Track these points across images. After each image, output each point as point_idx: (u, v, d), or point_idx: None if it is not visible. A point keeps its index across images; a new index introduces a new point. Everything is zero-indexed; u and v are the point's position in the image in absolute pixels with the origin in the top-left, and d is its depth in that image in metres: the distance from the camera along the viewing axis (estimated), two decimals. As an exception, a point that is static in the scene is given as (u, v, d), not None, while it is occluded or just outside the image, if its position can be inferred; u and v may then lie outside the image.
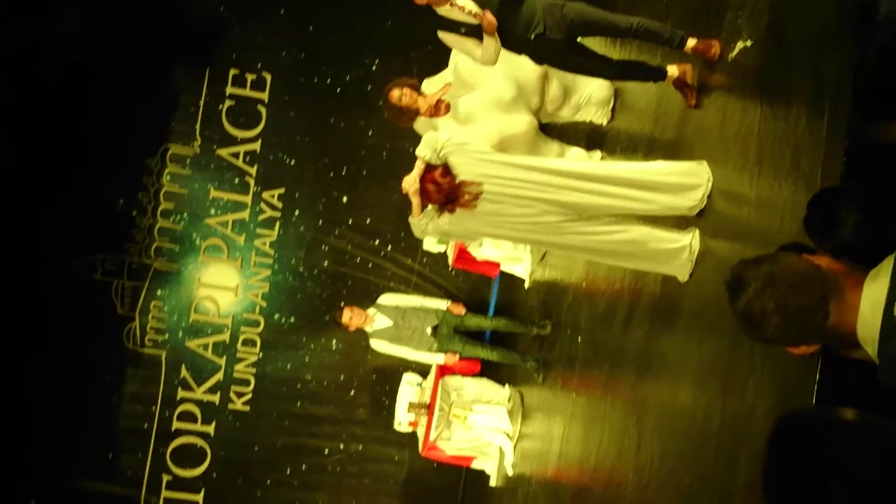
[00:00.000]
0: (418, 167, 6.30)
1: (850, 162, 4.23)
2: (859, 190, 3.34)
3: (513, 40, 6.92)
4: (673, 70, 6.78)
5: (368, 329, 10.40)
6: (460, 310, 10.62)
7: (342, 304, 10.91)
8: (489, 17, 6.63)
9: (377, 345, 10.49)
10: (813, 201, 3.43)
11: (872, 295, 2.52)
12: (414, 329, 10.35)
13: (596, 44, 7.76)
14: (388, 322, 10.35)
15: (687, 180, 6.05)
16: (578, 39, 7.12)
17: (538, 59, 7.33)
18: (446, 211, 6.23)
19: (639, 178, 6.16)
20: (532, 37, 6.77)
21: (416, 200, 6.32)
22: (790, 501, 2.02)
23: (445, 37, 7.04)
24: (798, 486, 2.01)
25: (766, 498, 2.09)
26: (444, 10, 6.84)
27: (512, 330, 10.63)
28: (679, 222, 6.31)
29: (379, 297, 10.80)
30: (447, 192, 6.14)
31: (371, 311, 10.42)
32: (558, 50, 6.95)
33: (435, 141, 6.31)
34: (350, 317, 10.25)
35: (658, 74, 6.88)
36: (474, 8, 6.74)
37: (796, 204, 4.68)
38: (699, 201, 6.04)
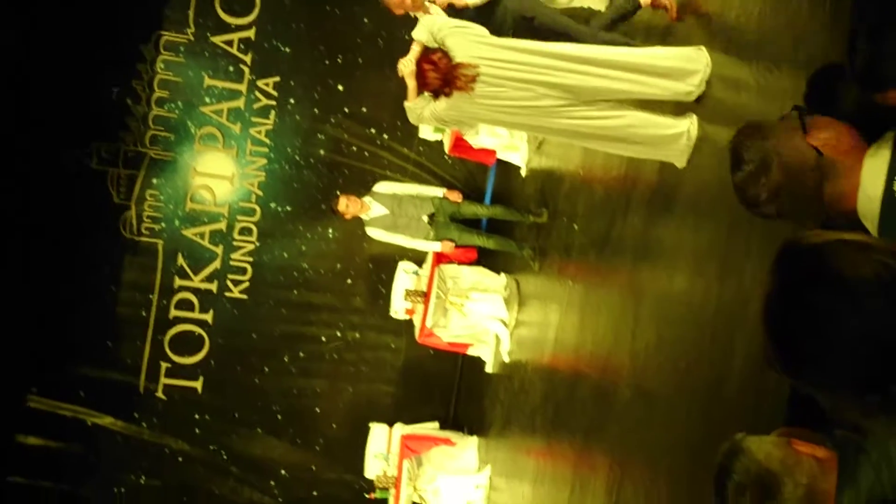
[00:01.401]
0: (415, 50, 6.25)
1: (853, 44, 4.18)
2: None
3: None
4: None
5: (365, 217, 10.40)
6: (456, 197, 10.62)
7: (338, 192, 10.90)
8: None
9: (373, 233, 10.51)
10: (813, 78, 3.41)
11: (872, 171, 2.51)
12: (410, 217, 10.35)
13: None
14: (384, 210, 10.35)
15: (686, 66, 6.00)
16: None
17: None
18: (443, 95, 6.18)
19: (637, 63, 6.11)
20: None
21: (411, 83, 6.26)
22: (791, 325, 2.01)
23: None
24: (800, 309, 1.99)
25: (767, 319, 2.08)
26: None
27: (508, 218, 10.63)
28: (677, 109, 6.26)
29: (375, 185, 10.79)
30: (444, 72, 6.08)
31: (367, 199, 10.41)
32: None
33: (432, 24, 6.25)
34: (346, 205, 10.25)
35: (633, 7, 6.91)
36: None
37: (797, 89, 4.63)
38: (698, 87, 5.99)
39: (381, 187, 10.66)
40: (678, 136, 6.09)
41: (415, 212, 10.37)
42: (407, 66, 6.24)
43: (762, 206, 2.61)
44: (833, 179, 2.58)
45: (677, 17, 6.59)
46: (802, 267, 2.02)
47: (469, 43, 6.11)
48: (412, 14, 7.86)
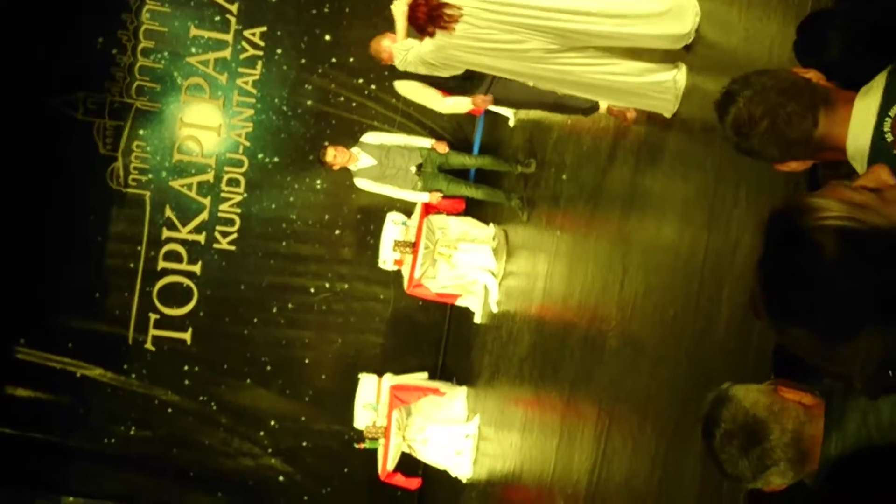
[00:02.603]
0: None
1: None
2: (849, 12, 3.30)
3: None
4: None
5: (353, 168, 10.37)
6: (444, 147, 10.58)
7: (326, 143, 10.85)
8: None
9: (361, 183, 10.48)
10: (802, 24, 3.40)
11: (863, 110, 2.51)
12: (398, 168, 10.32)
13: None
14: (372, 161, 10.31)
15: (675, 14, 5.97)
16: None
17: None
18: (427, 35, 6.17)
19: (627, 11, 6.09)
20: None
21: (401, 23, 6.31)
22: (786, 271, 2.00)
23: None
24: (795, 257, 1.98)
25: (762, 265, 2.07)
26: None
27: (496, 168, 10.62)
28: (666, 58, 6.24)
29: (363, 135, 10.75)
30: (429, 9, 6.08)
31: (355, 149, 10.37)
32: None
33: None
34: (334, 155, 10.20)
35: None
36: None
37: (785, 36, 4.62)
38: (687, 35, 5.97)
39: (369, 138, 10.62)
40: (666, 84, 6.07)
41: (403, 162, 10.34)
42: (399, 7, 6.27)
43: (757, 125, 2.59)
44: (826, 108, 2.58)
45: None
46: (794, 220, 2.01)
47: None
48: None
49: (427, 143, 10.62)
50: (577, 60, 6.10)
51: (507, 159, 10.40)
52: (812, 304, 1.92)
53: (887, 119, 2.45)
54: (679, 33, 5.95)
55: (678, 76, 6.06)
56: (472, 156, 11.28)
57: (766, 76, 2.63)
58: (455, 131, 12.17)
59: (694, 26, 5.94)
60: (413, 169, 10.32)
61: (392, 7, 6.40)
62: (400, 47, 6.39)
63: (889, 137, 2.44)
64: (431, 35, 6.14)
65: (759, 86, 2.60)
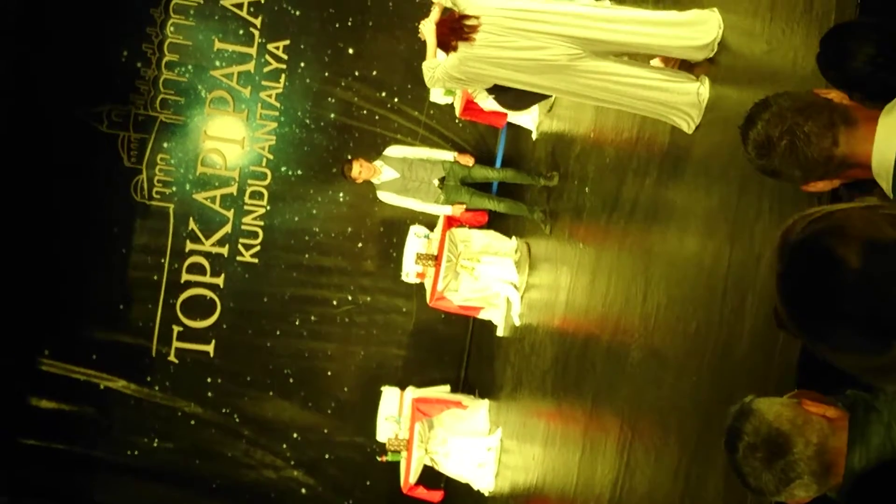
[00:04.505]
0: (436, 10, 6.42)
1: (865, 3, 4.15)
2: (872, 24, 3.30)
3: None
4: None
5: (376, 181, 10.39)
6: (467, 161, 10.60)
7: (349, 156, 10.89)
8: None
9: (384, 196, 10.50)
10: (826, 36, 3.40)
11: (888, 127, 2.50)
12: (421, 180, 10.34)
13: None
14: (395, 174, 10.33)
15: (698, 24, 5.97)
16: None
17: None
18: (451, 50, 6.24)
19: (648, 19, 6.11)
20: None
21: (431, 40, 6.38)
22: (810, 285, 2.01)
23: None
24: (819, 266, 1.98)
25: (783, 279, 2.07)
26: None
27: (519, 181, 10.61)
28: (688, 70, 6.23)
29: (386, 148, 10.77)
30: (450, 23, 6.19)
31: (378, 162, 10.39)
32: None
33: None
34: (359, 170, 10.22)
35: None
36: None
37: (808, 48, 4.61)
38: (710, 45, 5.96)
39: (392, 151, 10.64)
40: (690, 98, 6.06)
41: (425, 175, 10.35)
42: (427, 26, 6.36)
43: (777, 144, 2.62)
44: (847, 126, 2.58)
45: None
46: (816, 230, 2.01)
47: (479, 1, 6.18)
48: None
49: (450, 156, 10.63)
50: (600, 68, 6.11)
51: (530, 172, 10.39)
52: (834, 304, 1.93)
53: None
54: (702, 44, 5.94)
55: (701, 89, 6.04)
56: (495, 168, 11.28)
57: (784, 97, 2.65)
58: (478, 144, 12.20)
59: (717, 37, 5.92)
60: (436, 182, 10.33)
61: (421, 26, 6.50)
62: (429, 65, 6.46)
63: None
64: (455, 49, 6.20)
65: (777, 107, 2.63)
